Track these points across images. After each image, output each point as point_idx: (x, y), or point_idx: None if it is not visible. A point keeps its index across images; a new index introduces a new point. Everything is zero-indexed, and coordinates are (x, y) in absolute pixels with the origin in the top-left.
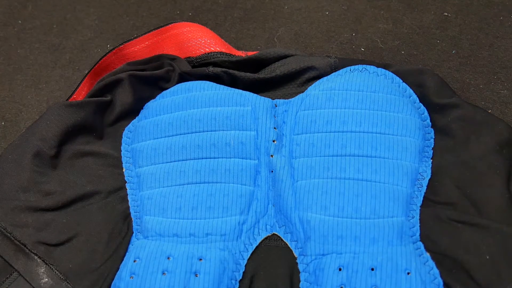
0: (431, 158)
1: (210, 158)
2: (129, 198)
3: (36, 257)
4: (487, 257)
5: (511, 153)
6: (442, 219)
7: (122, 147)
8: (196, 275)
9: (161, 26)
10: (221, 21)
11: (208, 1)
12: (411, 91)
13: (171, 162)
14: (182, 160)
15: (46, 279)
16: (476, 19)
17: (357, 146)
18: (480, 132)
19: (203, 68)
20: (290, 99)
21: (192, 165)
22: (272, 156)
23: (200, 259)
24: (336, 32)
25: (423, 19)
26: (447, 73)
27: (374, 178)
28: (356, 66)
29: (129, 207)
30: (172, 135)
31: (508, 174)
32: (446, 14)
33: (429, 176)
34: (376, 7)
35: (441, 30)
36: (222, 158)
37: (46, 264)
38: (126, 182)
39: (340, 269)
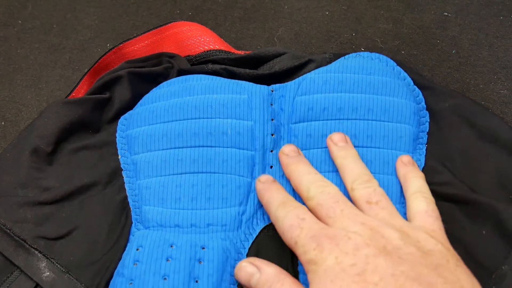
0: (426, 144)
1: (207, 146)
2: (126, 186)
3: (36, 252)
4: (483, 232)
5: (505, 144)
6: (437, 201)
7: (117, 134)
8: (200, 262)
9: (161, 25)
10: (221, 21)
11: (208, 1)
12: (406, 74)
13: (167, 149)
14: (179, 148)
15: (48, 273)
16: (476, 19)
17: (353, 136)
18: (475, 121)
19: (202, 66)
20: (286, 83)
21: (189, 153)
22: (272, 151)
23: (203, 248)
24: (336, 32)
25: (423, 19)
26: (447, 73)
27: (369, 169)
28: (350, 54)
29: (127, 196)
30: (168, 121)
31: (500, 161)
32: (446, 14)
33: (423, 165)
34: (376, 7)
35: (441, 30)
36: (219, 147)
37: (47, 258)
38: (122, 170)
39: None
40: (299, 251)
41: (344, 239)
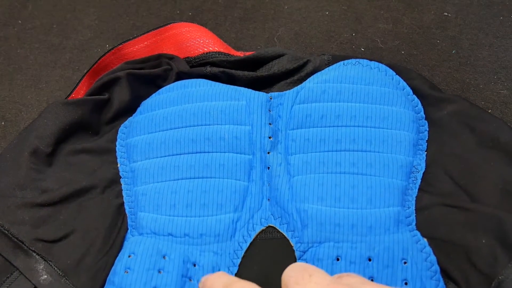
0: (425, 151)
1: (205, 152)
2: (123, 193)
3: (34, 254)
4: (483, 241)
5: (505, 148)
6: (438, 207)
7: (117, 142)
8: (190, 280)
9: (160, 26)
10: (221, 21)
11: (208, 1)
12: (405, 83)
13: (165, 156)
14: (177, 155)
15: (46, 276)
16: (476, 19)
17: (352, 140)
18: (474, 126)
19: (200, 68)
20: (285, 92)
21: (186, 159)
22: (269, 153)
23: (194, 265)
24: (336, 32)
25: (423, 19)
26: (447, 73)
27: (369, 172)
28: (350, 60)
29: (123, 202)
30: (167, 129)
31: (502, 166)
32: (446, 14)
33: (424, 169)
34: (376, 7)
35: (441, 30)
36: (217, 152)
37: (45, 260)
38: (121, 177)
39: (338, 259)
40: None
41: None
